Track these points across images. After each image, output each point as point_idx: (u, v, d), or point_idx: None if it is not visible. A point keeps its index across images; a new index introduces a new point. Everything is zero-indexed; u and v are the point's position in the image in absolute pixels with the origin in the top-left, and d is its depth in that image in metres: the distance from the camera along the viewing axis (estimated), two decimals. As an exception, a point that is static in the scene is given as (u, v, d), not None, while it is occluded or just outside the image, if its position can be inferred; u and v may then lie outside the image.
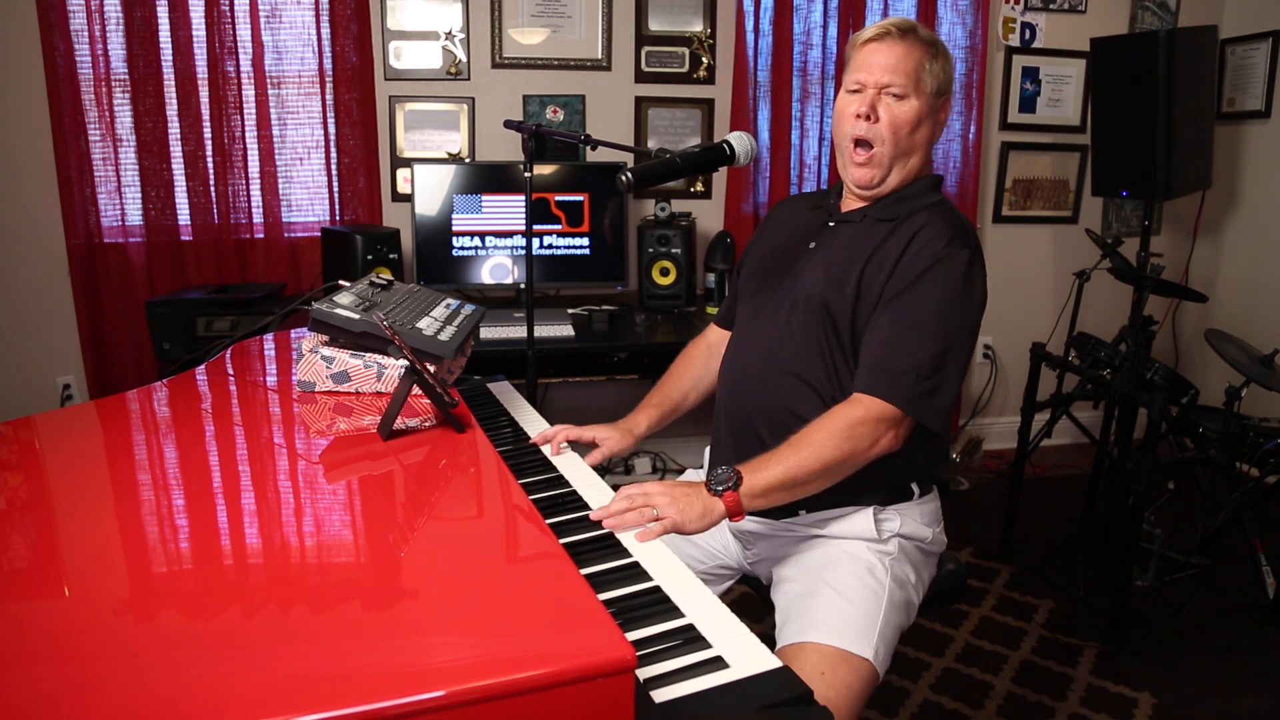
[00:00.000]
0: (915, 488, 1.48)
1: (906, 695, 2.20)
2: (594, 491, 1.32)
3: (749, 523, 1.52)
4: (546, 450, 1.48)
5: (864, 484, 1.40)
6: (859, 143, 1.45)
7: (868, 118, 1.42)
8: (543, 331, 2.67)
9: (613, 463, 3.49)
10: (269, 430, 1.39)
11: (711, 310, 3.09)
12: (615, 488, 1.35)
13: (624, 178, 1.49)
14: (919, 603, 1.47)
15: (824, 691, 1.22)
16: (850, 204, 1.53)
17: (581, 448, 1.54)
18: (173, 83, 2.91)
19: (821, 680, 1.24)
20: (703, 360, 1.72)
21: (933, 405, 1.34)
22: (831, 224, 1.53)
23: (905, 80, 1.40)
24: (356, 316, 1.44)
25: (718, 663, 0.90)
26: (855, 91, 1.44)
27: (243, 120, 2.99)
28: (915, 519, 1.47)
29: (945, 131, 3.48)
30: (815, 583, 1.39)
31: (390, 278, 1.68)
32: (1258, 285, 3.67)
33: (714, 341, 1.73)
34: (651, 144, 3.39)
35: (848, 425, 1.31)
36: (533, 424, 1.62)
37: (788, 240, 1.58)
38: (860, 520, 1.44)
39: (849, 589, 1.36)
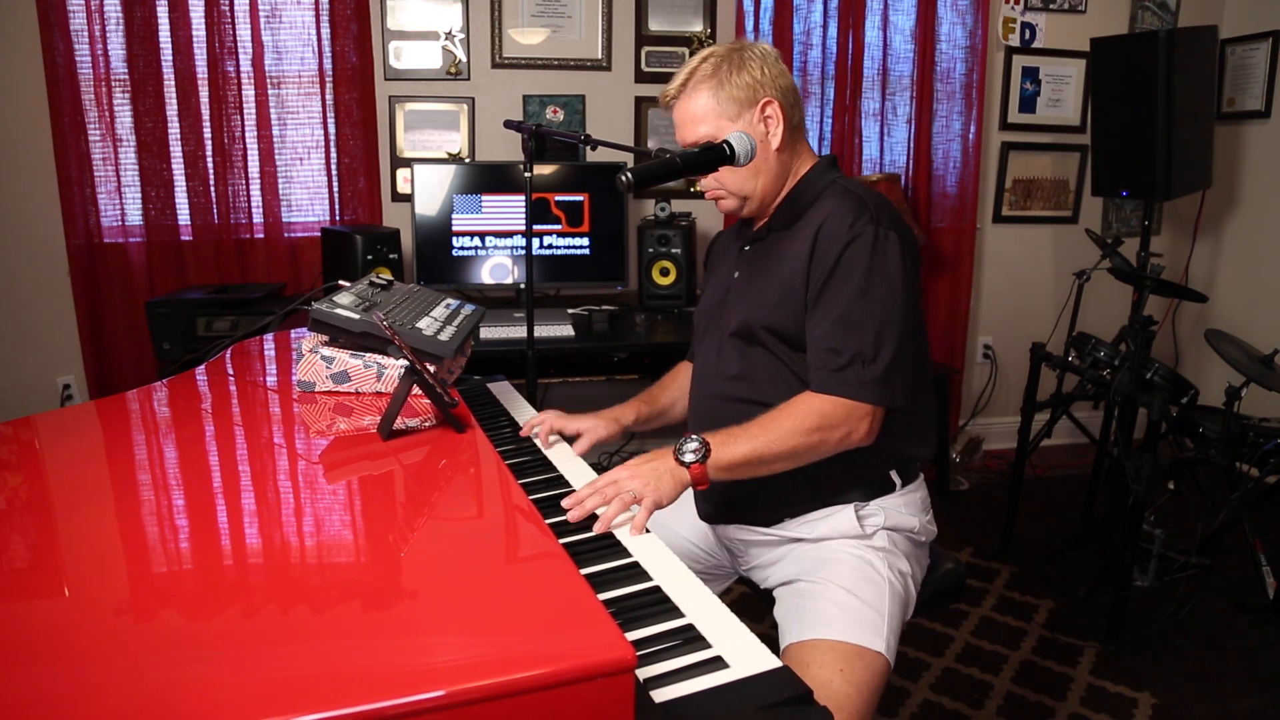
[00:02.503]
0: (896, 477, 1.47)
1: (906, 695, 2.20)
2: (577, 473, 1.32)
3: (738, 531, 1.52)
4: (538, 442, 1.49)
5: (842, 481, 1.42)
6: (707, 191, 1.51)
7: (709, 186, 1.49)
8: (543, 331, 2.67)
9: (613, 462, 3.49)
10: (269, 430, 1.39)
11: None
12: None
13: (624, 178, 1.48)
14: (916, 593, 1.47)
15: (844, 688, 1.23)
16: (758, 222, 1.55)
17: (569, 437, 1.56)
18: (173, 83, 2.91)
19: (841, 676, 1.24)
20: (684, 380, 1.73)
21: (888, 387, 1.34)
22: (747, 248, 1.54)
23: (703, 128, 1.43)
24: (356, 316, 1.43)
25: (718, 663, 0.90)
26: None
27: (243, 120, 2.99)
28: (900, 510, 1.47)
29: (945, 131, 3.52)
30: (818, 581, 1.39)
31: (390, 278, 1.68)
32: (1258, 285, 3.67)
33: (690, 370, 1.75)
34: (651, 144, 3.39)
35: (818, 417, 1.33)
36: (533, 424, 1.62)
37: (720, 277, 1.61)
38: (842, 519, 1.44)
39: (853, 584, 1.36)
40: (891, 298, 1.35)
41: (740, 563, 1.58)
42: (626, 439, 3.47)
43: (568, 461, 1.44)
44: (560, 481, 1.37)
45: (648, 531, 1.19)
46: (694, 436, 1.30)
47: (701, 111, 1.43)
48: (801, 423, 1.32)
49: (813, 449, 1.33)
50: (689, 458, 1.28)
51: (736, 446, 1.31)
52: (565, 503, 1.23)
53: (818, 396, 1.34)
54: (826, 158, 1.52)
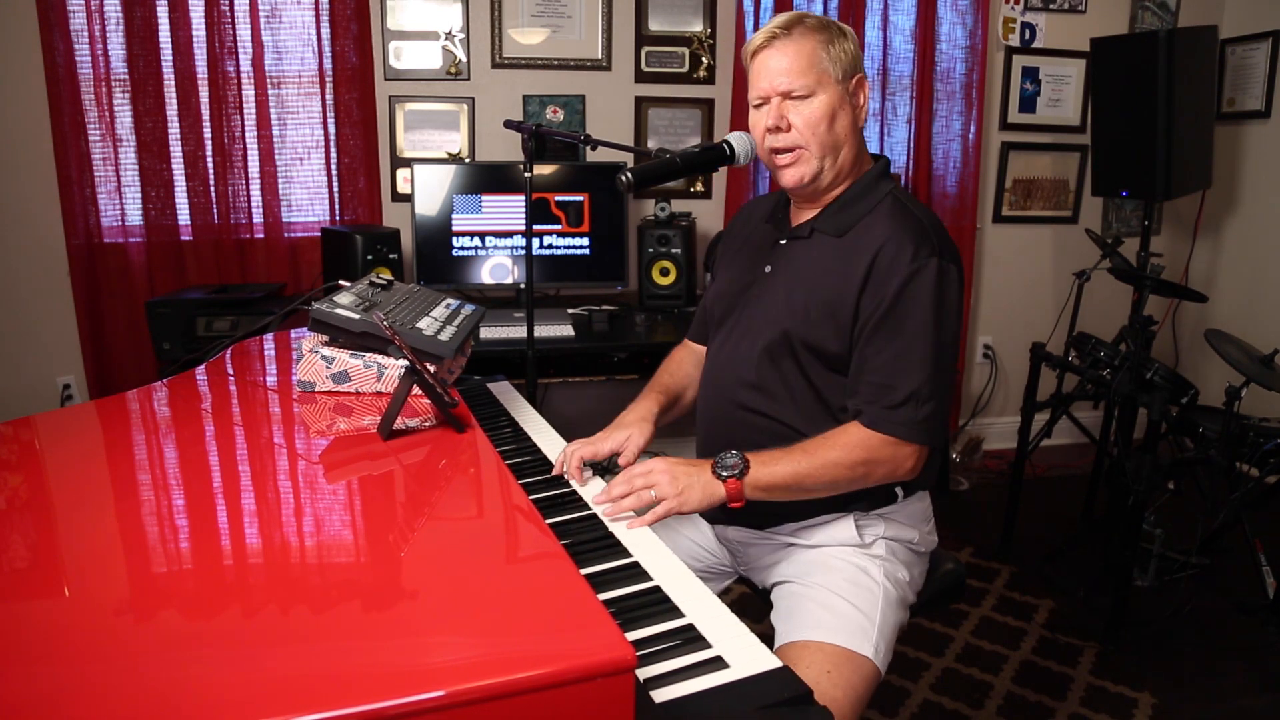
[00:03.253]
0: (899, 491, 1.46)
1: (906, 695, 2.20)
2: (594, 491, 1.32)
3: (735, 532, 1.52)
4: (574, 484, 1.36)
5: (846, 493, 1.40)
6: (779, 151, 1.40)
7: (779, 129, 1.37)
8: (543, 331, 2.67)
9: (613, 462, 3.49)
10: (269, 430, 1.39)
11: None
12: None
13: (624, 178, 1.48)
14: (913, 601, 1.47)
15: (830, 691, 1.22)
16: (799, 215, 1.49)
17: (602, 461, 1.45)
18: (173, 83, 2.91)
19: (828, 679, 1.24)
20: (692, 364, 1.68)
21: (934, 426, 1.34)
22: (783, 242, 1.48)
23: (806, 78, 1.34)
24: (356, 316, 1.43)
25: (718, 663, 0.90)
26: (760, 105, 1.40)
27: (243, 120, 2.99)
28: (900, 520, 1.47)
29: (945, 131, 3.52)
30: (812, 585, 1.39)
31: (390, 278, 1.68)
32: (1258, 285, 3.67)
33: (696, 351, 1.70)
34: (651, 144, 3.39)
35: (865, 451, 1.31)
36: (533, 424, 1.62)
37: (747, 260, 1.54)
38: (842, 528, 1.44)
39: (846, 590, 1.36)
40: (949, 336, 1.34)
41: (740, 562, 1.58)
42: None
43: (595, 492, 1.34)
44: (560, 481, 1.36)
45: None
46: (734, 453, 1.29)
47: (809, 59, 1.34)
48: (847, 455, 1.31)
49: (854, 482, 1.33)
50: (726, 473, 1.27)
51: (777, 468, 1.29)
52: (597, 499, 1.26)
53: (866, 431, 1.32)
54: (881, 162, 1.46)
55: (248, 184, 3.04)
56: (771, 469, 1.29)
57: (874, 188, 1.43)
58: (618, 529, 1.20)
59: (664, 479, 1.24)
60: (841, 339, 1.37)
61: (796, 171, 1.40)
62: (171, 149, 2.96)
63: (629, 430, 1.48)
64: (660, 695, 0.85)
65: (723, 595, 1.53)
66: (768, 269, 1.48)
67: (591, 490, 1.33)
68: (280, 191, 3.08)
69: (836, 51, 1.36)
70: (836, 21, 1.40)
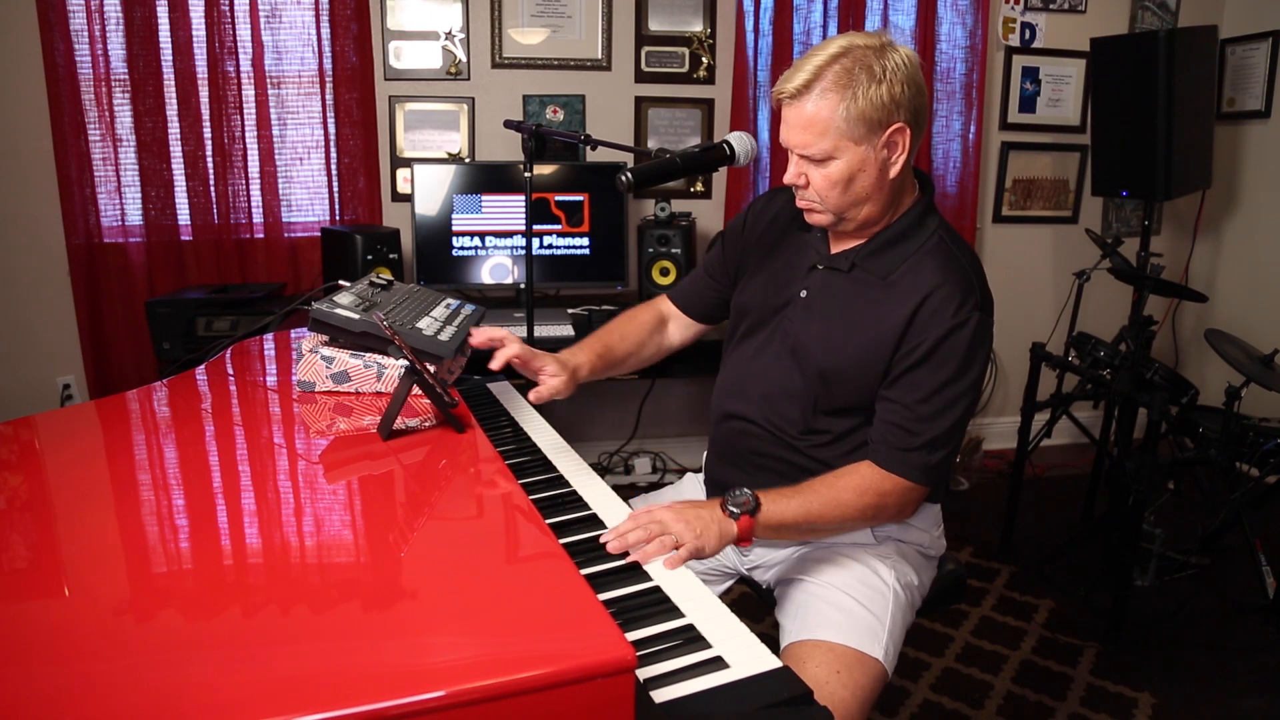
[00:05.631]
0: None
1: (906, 695, 2.20)
2: (595, 492, 1.32)
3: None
4: (574, 484, 1.36)
5: None
6: (800, 199, 1.38)
7: (798, 185, 1.36)
8: (543, 331, 2.67)
9: (613, 462, 3.49)
10: (269, 430, 1.39)
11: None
12: (616, 489, 1.35)
13: (624, 178, 1.48)
14: (920, 604, 1.47)
15: (839, 691, 1.23)
16: (838, 244, 1.44)
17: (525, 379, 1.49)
18: (173, 83, 2.91)
19: (837, 679, 1.24)
20: (650, 329, 1.65)
21: (943, 472, 1.36)
22: (820, 268, 1.44)
23: (822, 144, 1.28)
24: (356, 316, 1.43)
25: (718, 663, 0.90)
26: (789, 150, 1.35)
27: (243, 120, 2.99)
28: (912, 523, 1.48)
29: (945, 131, 3.52)
30: (821, 584, 1.39)
31: (390, 278, 1.68)
32: (1258, 285, 3.67)
33: (666, 315, 1.68)
34: (651, 144, 3.39)
35: (877, 495, 1.32)
36: (533, 424, 1.62)
37: (776, 268, 1.50)
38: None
39: (856, 590, 1.36)
40: (975, 388, 1.34)
41: (744, 560, 1.58)
42: (626, 439, 3.48)
43: (573, 465, 1.43)
44: (560, 482, 1.36)
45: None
46: (744, 490, 1.26)
47: (825, 124, 1.27)
48: (860, 498, 1.31)
49: (862, 523, 1.34)
50: (737, 510, 1.24)
51: (788, 506, 1.27)
52: (604, 537, 1.15)
53: (879, 472, 1.32)
54: (926, 192, 1.41)
55: (248, 184, 3.04)
56: (782, 507, 1.27)
57: (920, 226, 1.39)
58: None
59: (680, 526, 1.18)
60: (872, 382, 1.36)
61: (815, 219, 1.40)
62: (171, 149, 2.96)
63: (559, 373, 1.48)
64: (660, 695, 0.85)
65: (723, 595, 1.54)
66: (803, 294, 1.44)
67: (592, 490, 1.33)
68: (280, 191, 3.08)
69: (862, 106, 1.25)
70: (880, 49, 1.27)
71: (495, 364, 1.48)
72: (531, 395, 1.48)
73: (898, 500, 1.33)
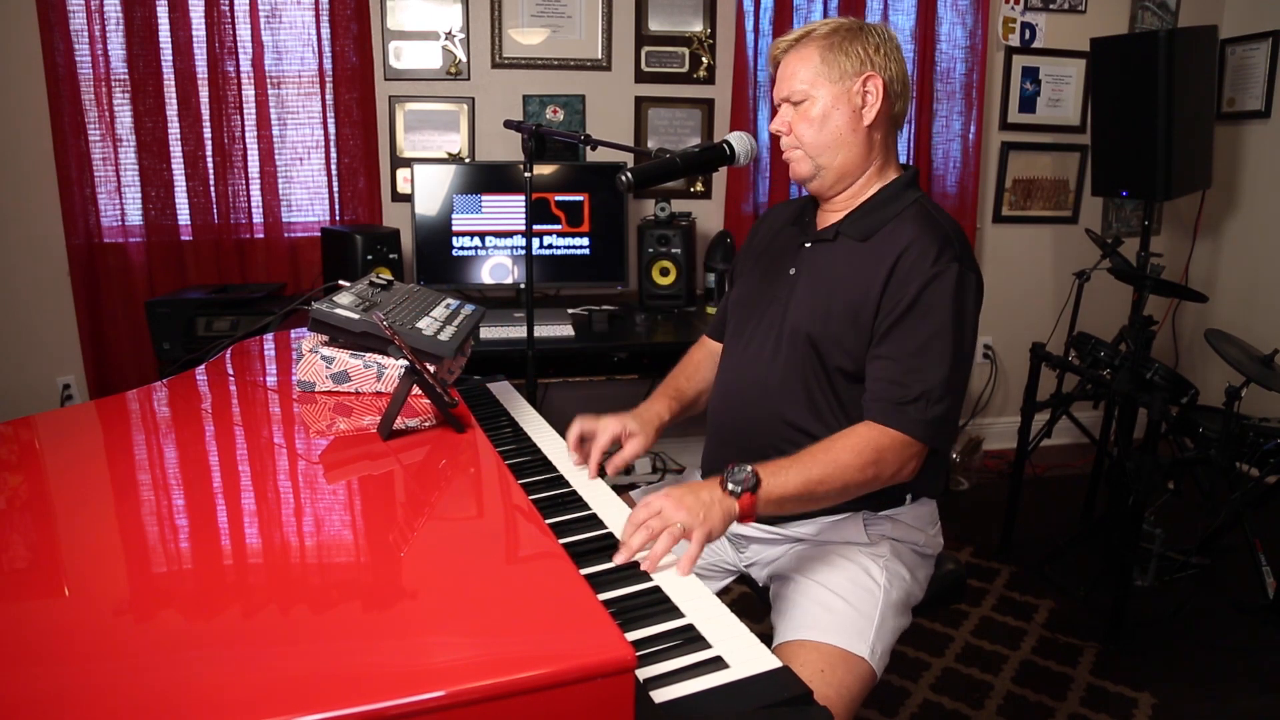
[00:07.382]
0: (908, 495, 1.48)
1: (906, 695, 2.20)
2: (595, 492, 1.32)
3: (739, 526, 1.52)
4: (540, 441, 1.35)
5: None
6: (785, 151, 1.48)
7: (782, 133, 1.45)
8: (543, 331, 2.67)
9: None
10: (269, 430, 1.39)
11: (711, 310, 3.09)
12: (615, 488, 1.35)
13: (624, 178, 1.48)
14: (916, 604, 1.47)
15: (823, 690, 1.22)
16: (824, 218, 1.50)
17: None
18: (173, 83, 2.91)
19: (821, 678, 1.24)
20: (708, 366, 1.69)
21: (943, 428, 1.34)
22: (808, 245, 1.49)
23: (802, 83, 1.40)
24: (356, 316, 1.43)
25: (717, 663, 0.90)
26: (778, 110, 1.47)
27: (243, 120, 2.99)
28: (908, 522, 1.47)
29: (945, 131, 3.52)
30: (811, 583, 1.39)
31: (390, 278, 1.68)
32: (1258, 285, 3.67)
33: (712, 350, 1.72)
34: (651, 144, 3.39)
35: (875, 451, 1.30)
36: (533, 424, 1.62)
37: (770, 262, 1.55)
38: (849, 526, 1.44)
39: (845, 590, 1.36)
40: (964, 341, 1.34)
41: (741, 557, 1.58)
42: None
43: (572, 465, 1.43)
44: (560, 482, 1.37)
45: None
46: (744, 466, 1.23)
47: (805, 66, 1.40)
48: (858, 457, 1.28)
49: (865, 485, 1.30)
50: (738, 488, 1.20)
51: (788, 477, 1.25)
52: (615, 558, 1.10)
53: (875, 428, 1.31)
54: (910, 171, 1.48)
55: (248, 184, 3.04)
56: (783, 479, 1.24)
57: (900, 195, 1.44)
58: (617, 529, 1.20)
59: (681, 514, 1.14)
60: (861, 342, 1.37)
61: (794, 170, 1.47)
62: (171, 149, 2.96)
63: (637, 430, 1.49)
64: (660, 695, 0.85)
65: (723, 595, 1.53)
66: (792, 271, 1.49)
67: (591, 490, 1.33)
68: (280, 191, 3.08)
69: (835, 56, 1.39)
70: (859, 24, 1.42)
71: (616, 465, 1.43)
72: (615, 460, 1.44)
73: (896, 456, 1.31)
